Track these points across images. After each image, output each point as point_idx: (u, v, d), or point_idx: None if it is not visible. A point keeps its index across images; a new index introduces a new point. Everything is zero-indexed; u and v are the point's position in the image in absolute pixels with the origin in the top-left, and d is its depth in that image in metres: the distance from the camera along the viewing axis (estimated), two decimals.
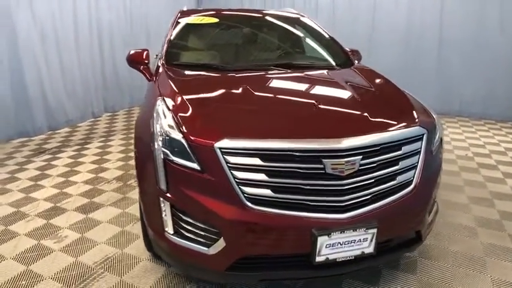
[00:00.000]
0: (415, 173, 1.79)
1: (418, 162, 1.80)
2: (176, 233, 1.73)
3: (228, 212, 1.57)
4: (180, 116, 1.76)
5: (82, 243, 2.45)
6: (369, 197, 1.66)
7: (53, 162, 3.90)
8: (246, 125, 1.70)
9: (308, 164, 1.57)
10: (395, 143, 1.72)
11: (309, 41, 3.13)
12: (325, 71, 2.45)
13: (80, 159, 3.98)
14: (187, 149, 1.63)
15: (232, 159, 1.57)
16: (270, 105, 1.83)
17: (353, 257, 1.63)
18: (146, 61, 2.74)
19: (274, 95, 1.99)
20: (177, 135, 1.67)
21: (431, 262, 2.30)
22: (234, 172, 1.57)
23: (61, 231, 2.60)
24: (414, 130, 1.79)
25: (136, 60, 2.74)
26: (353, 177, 1.61)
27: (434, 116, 2.05)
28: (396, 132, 1.73)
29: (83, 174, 3.57)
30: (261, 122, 1.72)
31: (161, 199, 1.72)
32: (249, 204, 1.57)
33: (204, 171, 1.59)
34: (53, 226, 2.66)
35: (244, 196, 1.57)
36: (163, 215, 1.73)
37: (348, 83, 2.20)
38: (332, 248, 1.59)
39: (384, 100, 2.07)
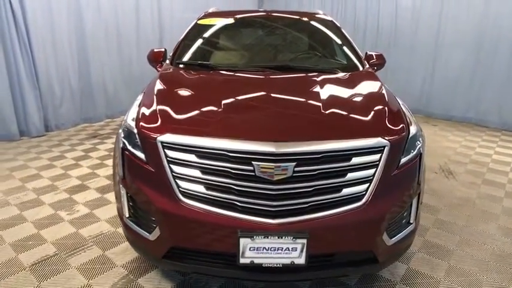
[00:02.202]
0: (368, 187, 1.66)
1: (373, 177, 1.66)
2: (130, 217, 1.88)
3: (163, 203, 1.67)
4: (142, 110, 1.92)
5: (88, 218, 2.79)
6: (305, 205, 1.60)
7: (98, 146, 4.45)
8: (190, 122, 1.77)
9: (239, 165, 1.58)
10: (342, 153, 1.61)
11: (318, 44, 3.04)
12: (317, 75, 2.37)
13: None
14: (138, 140, 1.76)
15: (171, 154, 1.66)
16: (226, 105, 1.86)
17: (281, 265, 1.59)
18: (161, 59, 2.98)
19: (238, 96, 2.01)
20: (134, 128, 1.82)
21: None
22: (172, 166, 1.66)
23: (76, 205, 2.98)
24: (370, 141, 1.65)
25: (154, 59, 2.99)
26: (285, 183, 1.57)
27: (413, 130, 1.86)
28: (342, 142, 1.62)
29: None
30: (207, 120, 1.77)
31: (120, 185, 1.89)
32: (181, 198, 1.64)
33: (148, 163, 1.71)
34: (72, 200, 3.06)
35: (179, 190, 1.65)
36: (122, 199, 1.91)
37: (327, 89, 2.10)
38: (257, 251, 1.57)
39: (356, 108, 1.93)
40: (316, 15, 3.28)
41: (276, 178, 1.55)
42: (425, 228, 2.75)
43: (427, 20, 6.14)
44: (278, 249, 1.57)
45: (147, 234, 1.76)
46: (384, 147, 1.68)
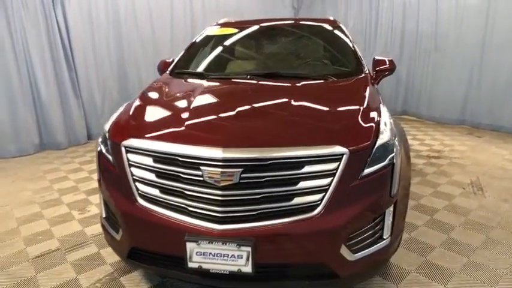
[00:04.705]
0: (323, 197, 1.58)
1: (329, 186, 1.58)
2: (105, 217, 2.00)
3: (124, 204, 1.76)
4: (118, 116, 2.05)
5: (95, 218, 3.00)
6: (253, 213, 1.57)
7: None
8: (153, 129, 1.83)
9: (189, 170, 1.61)
10: (292, 161, 1.56)
11: (318, 51, 2.98)
12: (302, 82, 2.31)
13: None
14: (109, 145, 1.88)
15: (132, 158, 1.74)
16: (191, 112, 1.89)
17: (227, 272, 1.57)
18: (167, 69, 3.13)
19: (208, 103, 2.05)
20: (107, 133, 1.95)
21: None
22: (132, 169, 1.74)
23: (89, 206, 3.22)
24: (325, 149, 1.58)
25: (163, 69, 3.16)
26: (232, 190, 1.56)
27: (384, 138, 1.73)
28: (292, 149, 1.56)
29: None
30: (168, 127, 1.82)
31: (99, 187, 2.02)
32: (140, 200, 1.72)
33: (115, 166, 1.82)
34: (87, 201, 3.31)
35: (138, 193, 1.73)
36: (100, 201, 2.04)
37: (303, 96, 2.05)
38: (204, 257, 1.57)
39: (323, 116, 1.85)
40: (323, 23, 3.21)
41: (222, 184, 1.55)
42: (431, 247, 2.51)
43: (472, 19, 5.59)
44: (224, 256, 1.56)
45: (115, 234, 1.86)
46: (342, 155, 1.59)
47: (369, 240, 1.71)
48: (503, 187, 3.52)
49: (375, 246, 1.72)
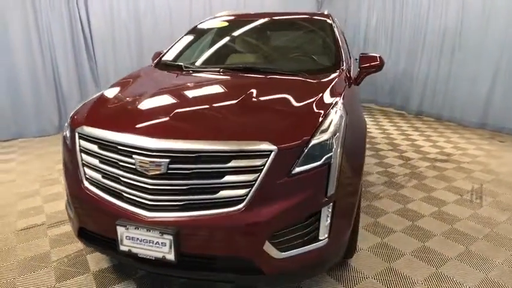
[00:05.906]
0: (248, 192, 1.58)
1: (255, 182, 1.58)
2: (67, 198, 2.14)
3: (73, 186, 1.88)
4: (84, 104, 2.16)
5: None
6: (180, 203, 1.61)
7: None
8: (102, 117, 1.92)
9: (124, 158, 1.68)
10: (218, 154, 1.58)
11: (299, 46, 2.90)
12: (269, 77, 2.29)
13: None
14: (69, 130, 2.00)
15: (82, 143, 1.85)
16: (144, 103, 1.94)
17: (153, 258, 1.63)
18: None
19: (163, 96, 2.08)
20: (69, 119, 2.07)
21: None
22: (82, 154, 1.85)
23: None
24: (252, 145, 1.57)
25: (154, 60, 3.27)
26: (160, 179, 1.61)
27: (323, 137, 1.67)
28: (219, 143, 1.57)
29: None
30: (116, 116, 1.90)
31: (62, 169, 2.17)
32: (86, 183, 1.82)
33: (71, 150, 1.94)
34: None
35: (85, 176, 1.83)
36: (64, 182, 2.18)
37: (259, 91, 2.03)
38: (132, 241, 1.64)
39: (265, 112, 1.83)
40: (312, 17, 3.13)
41: (151, 173, 1.61)
42: (400, 254, 2.40)
43: (500, 18, 5.15)
44: (149, 242, 1.62)
45: (71, 213, 1.99)
46: (270, 152, 1.58)
47: (301, 240, 1.68)
48: (507, 197, 3.26)
49: (309, 246, 1.69)
